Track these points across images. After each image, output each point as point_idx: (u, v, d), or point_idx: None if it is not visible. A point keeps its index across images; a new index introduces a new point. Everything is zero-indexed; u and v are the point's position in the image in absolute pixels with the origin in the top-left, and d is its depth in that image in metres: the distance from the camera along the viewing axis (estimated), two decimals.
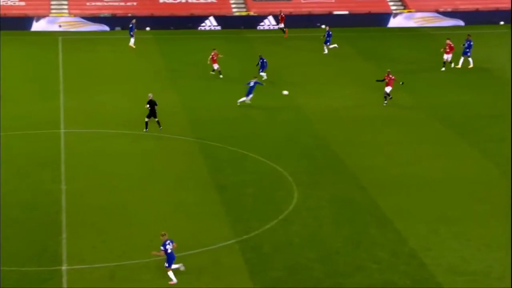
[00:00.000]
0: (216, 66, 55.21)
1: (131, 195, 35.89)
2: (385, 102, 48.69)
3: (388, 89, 48.81)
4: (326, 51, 62.52)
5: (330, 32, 62.29)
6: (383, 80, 49.21)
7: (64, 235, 31.51)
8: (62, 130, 44.22)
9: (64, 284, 27.80)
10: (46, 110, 47.67)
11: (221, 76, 54.90)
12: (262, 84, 49.48)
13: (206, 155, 41.03)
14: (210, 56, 55.30)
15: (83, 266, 29.13)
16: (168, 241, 28.19)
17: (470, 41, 57.81)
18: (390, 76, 48.78)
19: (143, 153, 41.22)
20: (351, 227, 32.98)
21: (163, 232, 28.59)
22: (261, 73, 53.81)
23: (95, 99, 50.12)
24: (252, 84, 48.37)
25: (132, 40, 63.06)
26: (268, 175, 38.62)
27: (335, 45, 62.47)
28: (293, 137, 44.06)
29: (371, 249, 30.91)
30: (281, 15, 69.80)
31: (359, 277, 28.82)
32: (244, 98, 48.42)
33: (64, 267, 29.01)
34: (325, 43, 62.62)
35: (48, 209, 34.02)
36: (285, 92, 46.27)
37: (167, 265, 28.05)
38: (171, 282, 27.90)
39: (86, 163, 39.65)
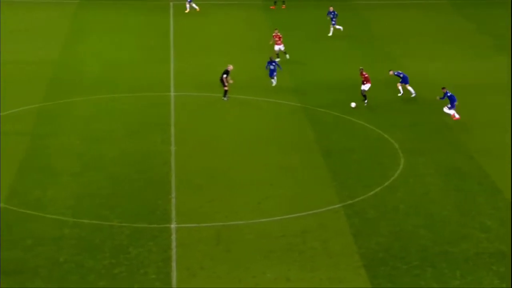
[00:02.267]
0: (277, 48, 50.77)
1: (238, 158, 36.46)
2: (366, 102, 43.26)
3: (365, 87, 43.17)
4: (330, 33, 57.52)
5: (336, 12, 57.57)
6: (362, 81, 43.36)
7: (173, 195, 32.42)
8: (172, 93, 45.26)
9: (173, 241, 28.65)
10: (157, 74, 48.82)
11: (287, 56, 50.92)
12: (280, 68, 46.31)
13: (312, 120, 41.18)
14: (273, 37, 51.41)
15: (191, 225, 29.94)
16: None
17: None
18: (364, 73, 43.16)
19: (249, 117, 41.75)
20: (458, 195, 32.54)
21: None
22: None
23: (204, 64, 50.92)
24: (271, 67, 45.25)
25: (189, 6, 63.48)
26: (374, 142, 38.48)
27: (340, 27, 57.51)
28: (400, 103, 43.59)
29: (479, 218, 30.47)
30: None
31: (466, 245, 28.49)
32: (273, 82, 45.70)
33: (173, 225, 29.89)
34: (332, 23, 57.24)
35: (158, 169, 35.00)
36: (353, 105, 43.49)
37: None
38: None
39: (194, 125, 40.51)
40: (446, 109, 40.61)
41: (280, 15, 64.10)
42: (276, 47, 50.98)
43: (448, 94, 40.54)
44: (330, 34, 57.38)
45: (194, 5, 64.24)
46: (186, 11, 63.79)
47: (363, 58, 51.61)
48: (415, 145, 37.79)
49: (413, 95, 44.44)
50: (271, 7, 66.02)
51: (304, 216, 30.71)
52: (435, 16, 64.62)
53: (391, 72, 44.87)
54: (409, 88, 44.49)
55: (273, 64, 45.46)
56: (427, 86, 45.91)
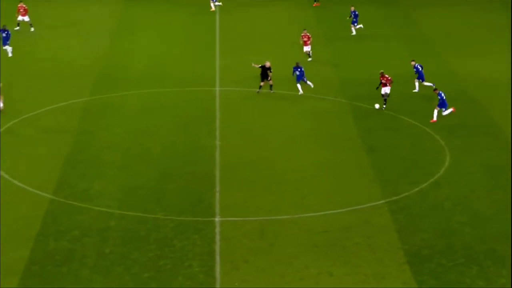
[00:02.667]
0: (306, 49, 50.16)
1: (281, 153, 36.56)
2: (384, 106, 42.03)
3: (386, 89, 42.12)
4: (354, 33, 56.98)
5: (357, 12, 57.00)
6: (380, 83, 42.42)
7: (217, 188, 32.66)
8: (217, 88, 45.54)
9: (217, 235, 28.87)
10: (203, 69, 49.14)
11: (309, 59, 50.01)
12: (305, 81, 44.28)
13: (356, 116, 41.09)
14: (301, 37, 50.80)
15: (235, 219, 30.13)
16: None
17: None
18: (385, 75, 42.11)
19: (294, 113, 41.82)
20: (505, 194, 32.20)
21: None
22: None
23: (249, 59, 51.00)
24: (298, 72, 43.87)
25: (212, 4, 63.59)
26: (419, 138, 38.26)
27: (361, 25, 56.94)
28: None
29: None
30: None
31: None
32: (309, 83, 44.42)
33: (217, 219, 30.13)
34: (352, 23, 56.80)
35: (203, 163, 35.27)
36: (377, 106, 41.07)
37: None
38: None
39: (239, 120, 40.74)
40: (446, 112, 39.66)
41: (324, 12, 63.98)
42: (305, 48, 50.48)
43: (441, 95, 39.52)
44: (354, 33, 56.96)
45: (217, 2, 64.21)
46: (212, 10, 63.81)
47: (410, 55, 51.20)
48: (461, 142, 37.48)
49: (416, 90, 44.09)
50: (314, 4, 65.88)
51: (348, 211, 30.70)
52: (484, 13, 63.89)
53: (413, 63, 44.52)
54: (426, 83, 44.02)
55: (299, 69, 43.82)
56: (476, 84, 45.50)
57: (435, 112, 39.46)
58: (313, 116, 41.44)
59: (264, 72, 43.76)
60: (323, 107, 42.76)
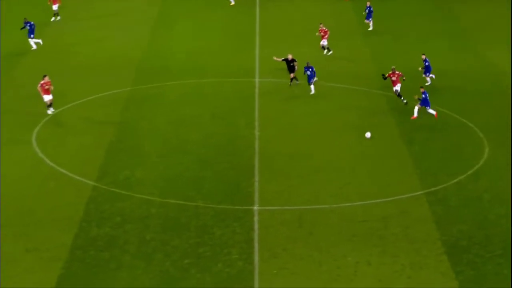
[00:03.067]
0: (322, 43, 50.11)
1: (320, 143, 36.81)
2: (404, 101, 41.35)
3: (397, 87, 41.50)
4: (371, 27, 56.26)
5: (372, 8, 56.13)
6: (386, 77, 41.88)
7: (256, 178, 33.02)
8: (256, 79, 45.88)
9: (256, 223, 29.26)
10: (243, 60, 49.52)
11: (327, 53, 49.91)
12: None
13: (394, 108, 41.13)
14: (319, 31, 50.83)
15: (273, 208, 30.49)
16: None
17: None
18: (396, 72, 41.49)
19: (331, 104, 42.00)
20: None
21: None
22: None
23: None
24: (309, 73, 42.85)
25: None
26: (458, 130, 38.23)
27: (371, 22, 55.92)
28: (486, 94, 43.09)
29: None
30: None
31: None
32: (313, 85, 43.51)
33: (255, 207, 30.51)
34: (367, 18, 56.13)
35: (242, 153, 35.67)
36: (368, 135, 36.89)
37: None
38: None
39: (277, 111, 41.04)
40: (430, 111, 39.07)
41: (363, 4, 63.89)
42: (322, 42, 50.36)
43: (426, 94, 38.84)
44: (371, 28, 56.54)
45: None
46: (231, 4, 63.88)
47: (449, 49, 51.25)
48: (500, 135, 37.33)
49: (428, 83, 43.92)
50: None
51: (386, 202, 30.87)
52: None
53: (423, 56, 44.46)
54: (429, 77, 43.89)
55: (310, 70, 42.87)
56: None
57: (416, 108, 38.92)
58: (351, 107, 41.58)
59: (290, 65, 43.97)
60: (361, 99, 42.85)
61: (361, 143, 36.76)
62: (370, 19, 56.47)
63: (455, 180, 32.66)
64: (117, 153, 35.42)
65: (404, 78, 41.68)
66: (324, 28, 50.41)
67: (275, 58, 45.13)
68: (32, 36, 50.77)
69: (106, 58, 49.64)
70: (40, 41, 51.33)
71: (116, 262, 26.56)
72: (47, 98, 39.01)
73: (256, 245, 27.69)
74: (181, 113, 40.54)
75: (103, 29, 56.48)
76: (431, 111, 38.83)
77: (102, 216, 29.59)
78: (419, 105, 38.83)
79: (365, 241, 27.94)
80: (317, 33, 51.03)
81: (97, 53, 50.76)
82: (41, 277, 25.57)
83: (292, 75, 44.29)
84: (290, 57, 44.13)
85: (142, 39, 54.05)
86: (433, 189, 31.93)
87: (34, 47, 50.88)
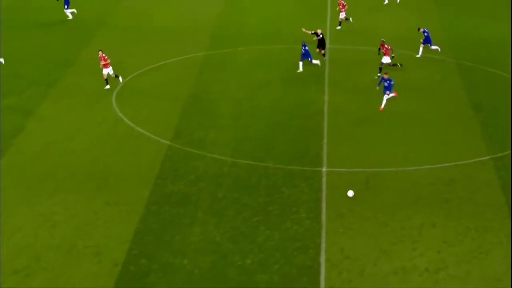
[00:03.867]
0: (341, 16, 50.35)
1: (387, 109, 37.24)
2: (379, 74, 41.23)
3: (386, 59, 41.87)
4: (386, 1, 56.19)
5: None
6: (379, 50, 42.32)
7: (325, 141, 33.84)
8: (327, 46, 46.34)
9: (324, 184, 30.13)
10: (314, 27, 49.69)
11: (351, 20, 50.55)
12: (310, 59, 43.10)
13: (464, 75, 41.27)
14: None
15: (341, 169, 31.30)
16: None
17: None
18: (386, 46, 41.76)
19: (400, 70, 42.25)
20: None
21: None
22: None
23: (363, 20, 51.68)
24: (303, 51, 42.29)
25: None
26: None
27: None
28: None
29: None
30: None
31: None
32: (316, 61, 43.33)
33: (324, 169, 31.37)
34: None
35: (312, 117, 36.48)
36: (350, 194, 36.88)
37: None
38: None
39: (347, 76, 41.58)
40: (390, 95, 37.71)
41: None
42: (340, 15, 50.31)
43: (391, 81, 37.75)
44: (386, 2, 56.27)
45: None
46: None
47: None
48: None
49: (439, 50, 43.74)
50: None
51: (452, 166, 31.34)
52: None
53: (421, 30, 44.14)
54: (433, 47, 43.57)
55: (304, 48, 42.18)
56: None
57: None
58: (420, 73, 41.84)
59: (321, 40, 43.64)
60: (430, 64, 43.03)
61: (428, 108, 37.08)
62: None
63: None
64: (192, 114, 36.66)
65: (393, 55, 41.96)
66: (343, 2, 50.53)
67: (304, 30, 45.21)
68: (66, 7, 52.06)
69: (184, 25, 51.02)
70: (74, 10, 52.60)
71: (189, 217, 27.82)
72: (105, 71, 39.54)
73: (323, 205, 28.57)
74: (252, 78, 41.55)
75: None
76: (391, 95, 37.79)
77: (177, 174, 30.90)
78: (387, 93, 37.73)
79: (430, 204, 28.54)
80: (337, 8, 51.16)
81: (175, 20, 52.14)
82: (120, 229, 27.04)
83: (323, 51, 43.73)
84: (319, 31, 44.06)
85: (217, 6, 55.21)
86: (500, 154, 32.21)
87: (70, 17, 52.27)
